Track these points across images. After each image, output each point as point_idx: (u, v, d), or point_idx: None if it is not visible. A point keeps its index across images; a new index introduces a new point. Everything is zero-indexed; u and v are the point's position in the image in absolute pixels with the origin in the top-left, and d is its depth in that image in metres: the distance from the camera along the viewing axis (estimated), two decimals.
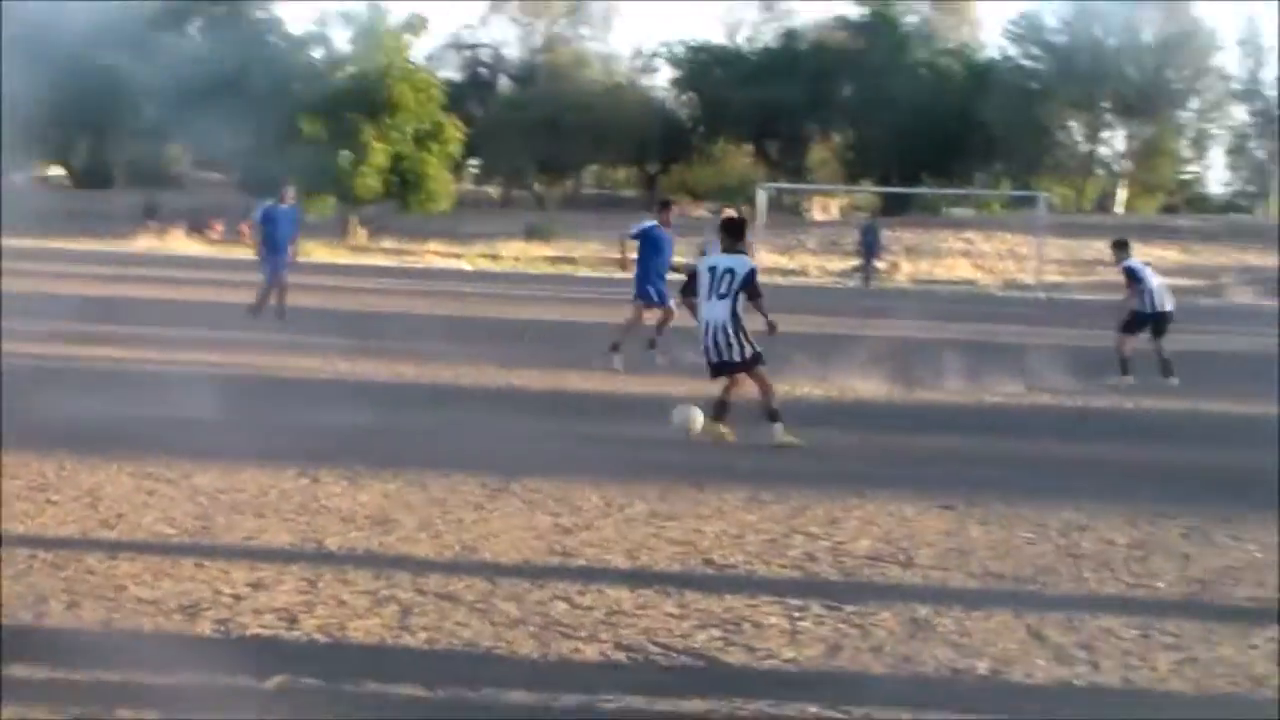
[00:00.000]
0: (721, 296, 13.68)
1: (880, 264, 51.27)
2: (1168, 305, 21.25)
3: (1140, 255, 22.22)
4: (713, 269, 13.89)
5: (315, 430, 13.10)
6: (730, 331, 13.63)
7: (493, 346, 20.42)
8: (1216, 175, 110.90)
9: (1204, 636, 7.53)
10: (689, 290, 14.59)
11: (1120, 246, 22.20)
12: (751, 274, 13.79)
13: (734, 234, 14.38)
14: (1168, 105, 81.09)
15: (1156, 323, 21.15)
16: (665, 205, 21.96)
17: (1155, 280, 21.43)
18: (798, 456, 13.05)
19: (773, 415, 13.65)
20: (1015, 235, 60.43)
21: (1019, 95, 78.43)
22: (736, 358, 13.69)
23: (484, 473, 11.25)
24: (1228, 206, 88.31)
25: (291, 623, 7.14)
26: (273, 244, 24.47)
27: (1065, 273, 53.07)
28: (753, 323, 13.64)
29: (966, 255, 59.18)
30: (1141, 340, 20.88)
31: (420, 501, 10.25)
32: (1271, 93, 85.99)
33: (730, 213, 18.03)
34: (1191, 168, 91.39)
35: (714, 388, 14.03)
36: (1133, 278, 21.33)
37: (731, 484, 11.24)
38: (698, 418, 13.85)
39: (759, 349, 13.78)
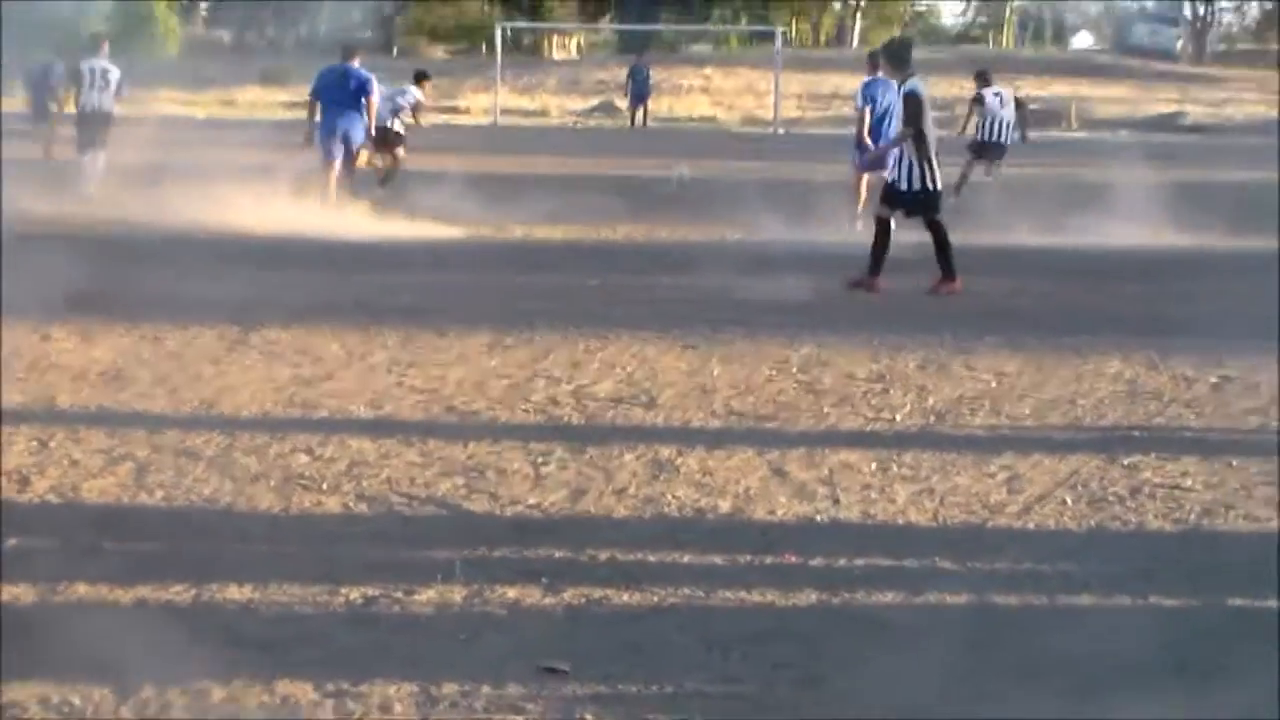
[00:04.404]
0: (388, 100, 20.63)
1: (620, 104, 51.08)
2: (1001, 137, 23.41)
3: None
4: (403, 92, 21.28)
5: (42, 286, 12.69)
6: (392, 119, 20.74)
7: (225, 195, 19.94)
8: (950, 7, 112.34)
9: (940, 467, 7.70)
10: None
11: (979, 77, 24.42)
12: (416, 100, 21.54)
13: (418, 80, 21.89)
14: None
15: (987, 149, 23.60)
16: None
17: (1000, 110, 23.39)
18: (542, 299, 13.06)
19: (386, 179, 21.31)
20: (754, 71, 60.64)
21: None
22: (389, 128, 20.49)
23: (222, 325, 11.08)
24: (960, 37, 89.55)
25: (23, 484, 6.98)
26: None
27: (803, 108, 53.45)
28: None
29: (706, 92, 59.27)
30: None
31: (156, 356, 10.07)
32: None
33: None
34: None
35: None
36: (975, 103, 23.86)
37: (474, 329, 11.20)
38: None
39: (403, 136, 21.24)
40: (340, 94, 18.91)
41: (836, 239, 17.29)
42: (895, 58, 14.45)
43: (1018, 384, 9.80)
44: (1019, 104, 24.76)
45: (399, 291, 13.29)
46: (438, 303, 12.74)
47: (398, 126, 21.28)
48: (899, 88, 14.05)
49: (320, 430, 8.18)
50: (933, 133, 13.80)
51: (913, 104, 13.65)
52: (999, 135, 23.41)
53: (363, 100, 18.93)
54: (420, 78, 22.27)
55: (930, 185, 13.74)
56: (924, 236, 13.99)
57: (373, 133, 19.10)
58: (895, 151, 14.23)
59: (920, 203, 13.78)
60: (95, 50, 22.03)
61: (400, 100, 21.40)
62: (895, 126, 14.28)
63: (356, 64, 19.22)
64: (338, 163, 18.88)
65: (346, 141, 18.87)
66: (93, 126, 21.20)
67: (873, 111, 18.28)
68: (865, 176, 18.38)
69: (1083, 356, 10.67)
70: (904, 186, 13.78)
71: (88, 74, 21.41)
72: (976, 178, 23.42)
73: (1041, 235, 18.27)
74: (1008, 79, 56.70)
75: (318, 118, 19.10)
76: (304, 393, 9.12)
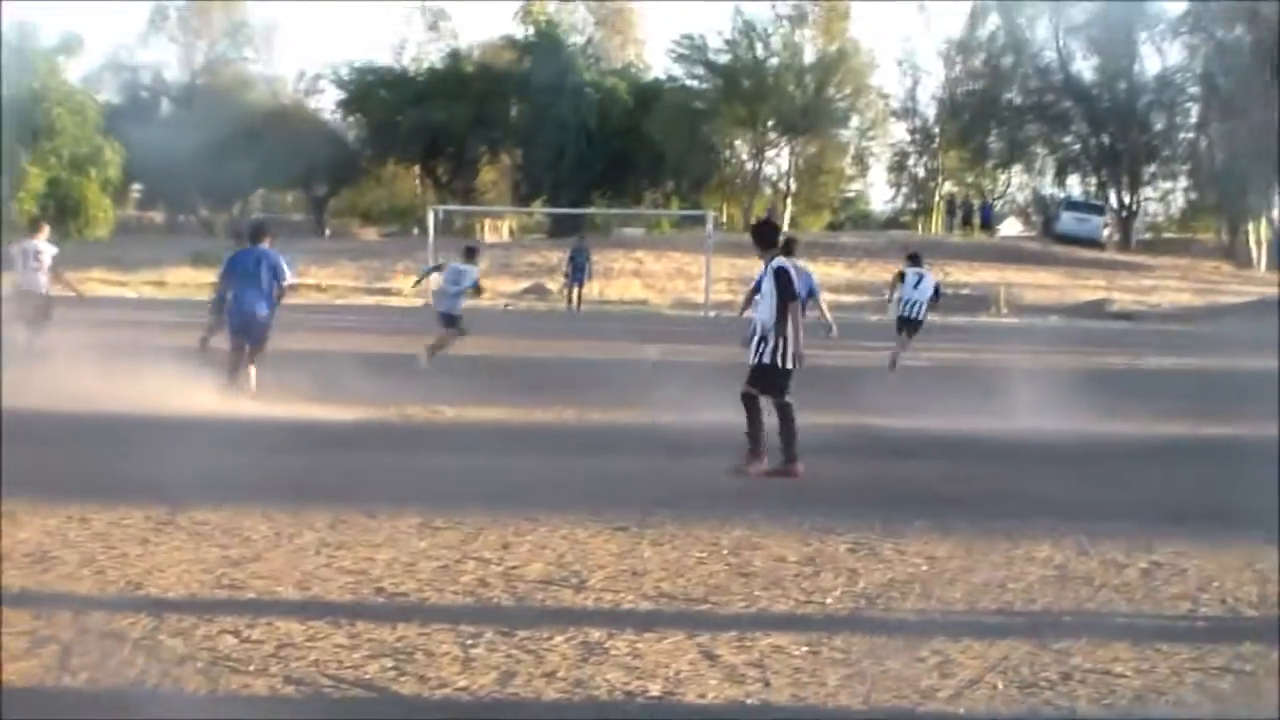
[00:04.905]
0: (454, 284, 23.96)
1: (553, 286, 51.43)
2: (914, 314, 26.00)
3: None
4: (455, 269, 24.33)
5: None
6: (458, 301, 23.82)
7: (157, 374, 19.87)
8: (879, 193, 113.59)
9: (871, 651, 7.68)
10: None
11: (910, 258, 27.40)
12: (477, 279, 24.31)
13: (469, 256, 24.40)
14: (829, 124, 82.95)
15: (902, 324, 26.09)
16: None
17: (913, 291, 26.00)
18: (472, 480, 13.03)
19: (437, 348, 23.96)
20: (685, 254, 61.14)
21: (685, 114, 79.63)
22: (455, 313, 23.74)
23: (150, 505, 10.98)
24: (890, 223, 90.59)
25: None
26: None
27: (734, 291, 53.78)
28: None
29: (638, 275, 59.71)
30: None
31: (83, 537, 9.97)
32: (929, 110, 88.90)
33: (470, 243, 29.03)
34: (854, 185, 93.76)
35: None
36: (897, 278, 26.87)
37: (403, 510, 11.13)
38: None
39: (462, 320, 23.99)
40: (251, 276, 18.86)
41: (766, 422, 17.31)
42: (761, 237, 14.45)
43: (948, 568, 9.81)
44: (936, 291, 26.67)
45: (329, 472, 13.26)
46: (368, 483, 12.70)
47: (458, 310, 23.77)
48: (767, 265, 13.93)
49: (248, 612, 8.11)
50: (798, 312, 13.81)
51: (784, 279, 13.60)
52: (913, 313, 25.85)
53: (273, 283, 18.88)
54: (471, 254, 24.42)
55: (780, 362, 13.66)
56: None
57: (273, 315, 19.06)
58: (752, 328, 14.07)
59: (766, 378, 13.77)
60: (34, 232, 22.35)
61: (464, 283, 23.94)
62: (768, 305, 13.99)
63: (268, 244, 19.20)
64: (246, 344, 18.83)
65: (253, 324, 18.80)
66: (27, 305, 21.38)
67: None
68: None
69: (1013, 541, 10.69)
70: (756, 360, 13.80)
71: (20, 255, 21.60)
72: (896, 352, 24.19)
73: (970, 419, 18.37)
74: (937, 264, 57.85)
75: (228, 297, 19.16)
76: (232, 574, 9.04)
